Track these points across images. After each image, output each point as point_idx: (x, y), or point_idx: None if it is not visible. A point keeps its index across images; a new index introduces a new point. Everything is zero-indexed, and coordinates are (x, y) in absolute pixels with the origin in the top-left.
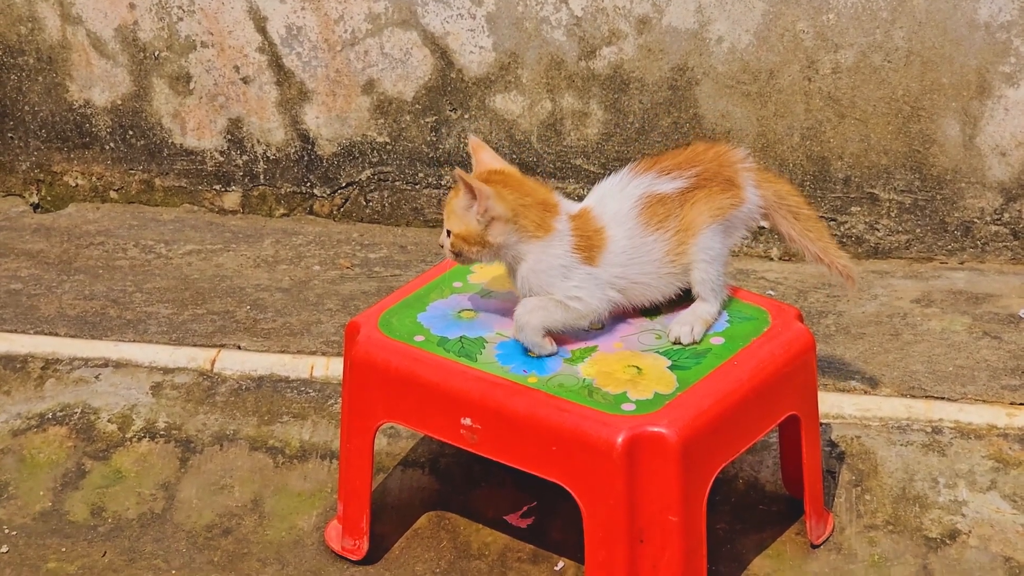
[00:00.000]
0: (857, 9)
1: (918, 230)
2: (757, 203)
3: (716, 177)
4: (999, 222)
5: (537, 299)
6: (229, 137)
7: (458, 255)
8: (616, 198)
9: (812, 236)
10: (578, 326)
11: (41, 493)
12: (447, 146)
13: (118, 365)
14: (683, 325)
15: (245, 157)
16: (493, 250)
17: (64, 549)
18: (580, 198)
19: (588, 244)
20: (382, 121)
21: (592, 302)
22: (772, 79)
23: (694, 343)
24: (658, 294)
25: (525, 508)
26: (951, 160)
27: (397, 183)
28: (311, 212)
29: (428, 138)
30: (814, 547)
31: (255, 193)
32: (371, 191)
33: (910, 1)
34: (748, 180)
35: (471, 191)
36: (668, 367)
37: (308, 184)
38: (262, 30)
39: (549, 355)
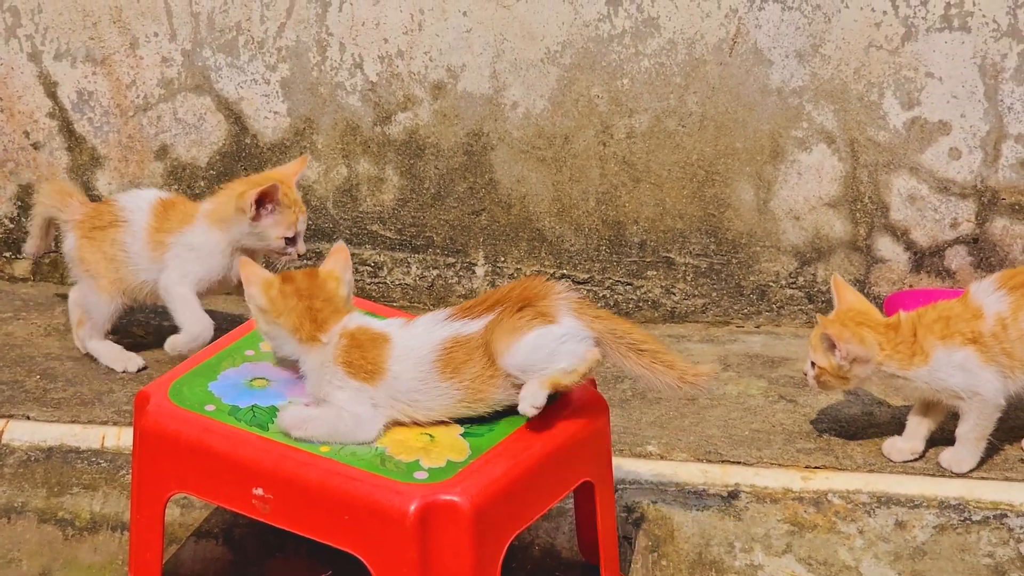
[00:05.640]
0: (651, 75)
1: (714, 294)
2: (577, 331)
3: (524, 310)
4: (794, 285)
5: (304, 410)
6: (19, 204)
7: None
8: (418, 339)
9: (662, 366)
10: (352, 440)
11: None
12: None
13: None
14: (523, 401)
15: None
16: (271, 340)
17: None
18: (376, 265)
19: (360, 367)
20: (176, 187)
21: (365, 415)
22: (567, 144)
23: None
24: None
25: None
26: (746, 224)
27: None
28: None
29: None
30: None
31: (46, 260)
32: None
33: (703, 66)
34: (565, 309)
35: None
36: (461, 434)
37: None
38: (52, 95)
39: None
